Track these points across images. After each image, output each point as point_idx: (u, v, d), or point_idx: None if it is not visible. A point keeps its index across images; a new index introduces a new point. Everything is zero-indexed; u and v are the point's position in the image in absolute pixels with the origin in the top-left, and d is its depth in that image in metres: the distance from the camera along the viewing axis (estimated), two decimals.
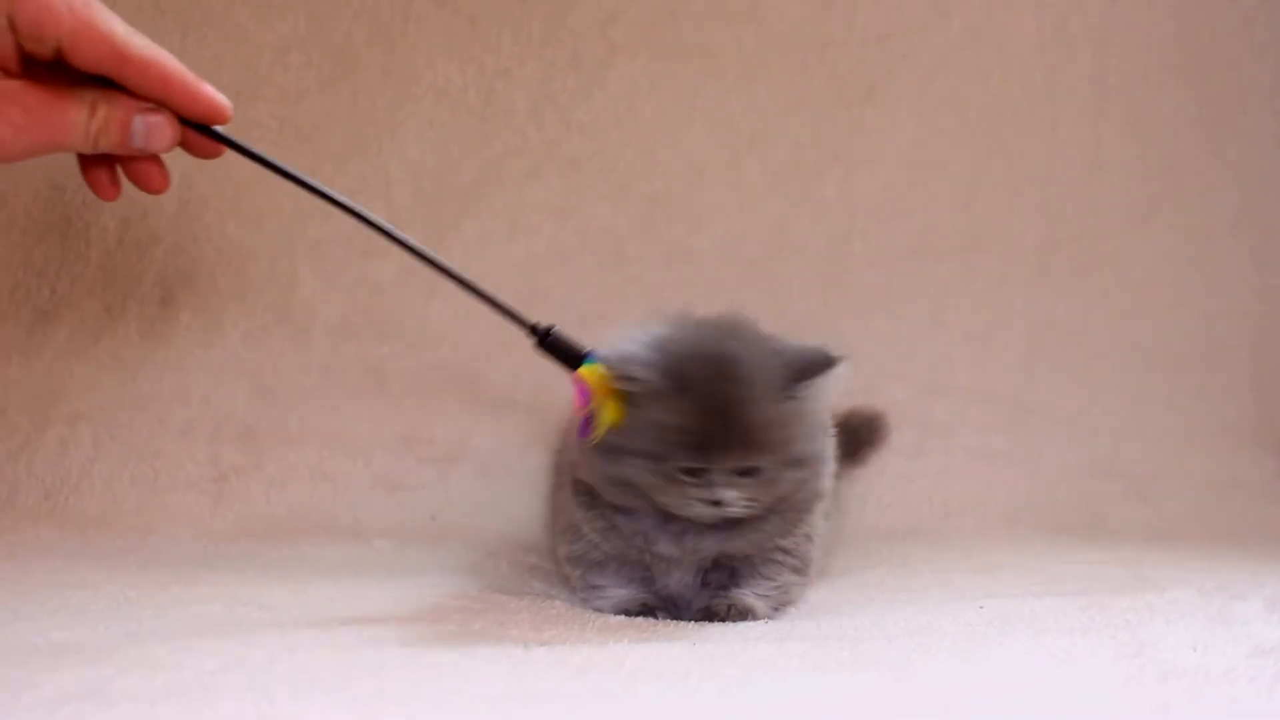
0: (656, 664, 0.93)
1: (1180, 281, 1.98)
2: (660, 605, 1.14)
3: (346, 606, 1.12)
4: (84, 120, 0.88)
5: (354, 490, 1.63)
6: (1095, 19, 1.97)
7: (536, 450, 1.55)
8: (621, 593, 1.16)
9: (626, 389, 1.05)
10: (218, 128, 0.96)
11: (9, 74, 0.86)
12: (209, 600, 1.12)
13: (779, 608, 1.15)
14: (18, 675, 0.81)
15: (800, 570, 1.17)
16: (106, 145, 0.90)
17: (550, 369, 1.65)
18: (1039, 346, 1.90)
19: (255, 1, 1.70)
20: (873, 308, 1.85)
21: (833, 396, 1.15)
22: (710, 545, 1.13)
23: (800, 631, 1.08)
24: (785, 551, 1.16)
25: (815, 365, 1.08)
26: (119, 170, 0.96)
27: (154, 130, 0.91)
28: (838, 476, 1.24)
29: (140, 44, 0.88)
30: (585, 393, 1.04)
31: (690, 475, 1.07)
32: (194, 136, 0.95)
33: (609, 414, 1.04)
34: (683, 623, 1.12)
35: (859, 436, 1.39)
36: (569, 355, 1.04)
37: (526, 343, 1.45)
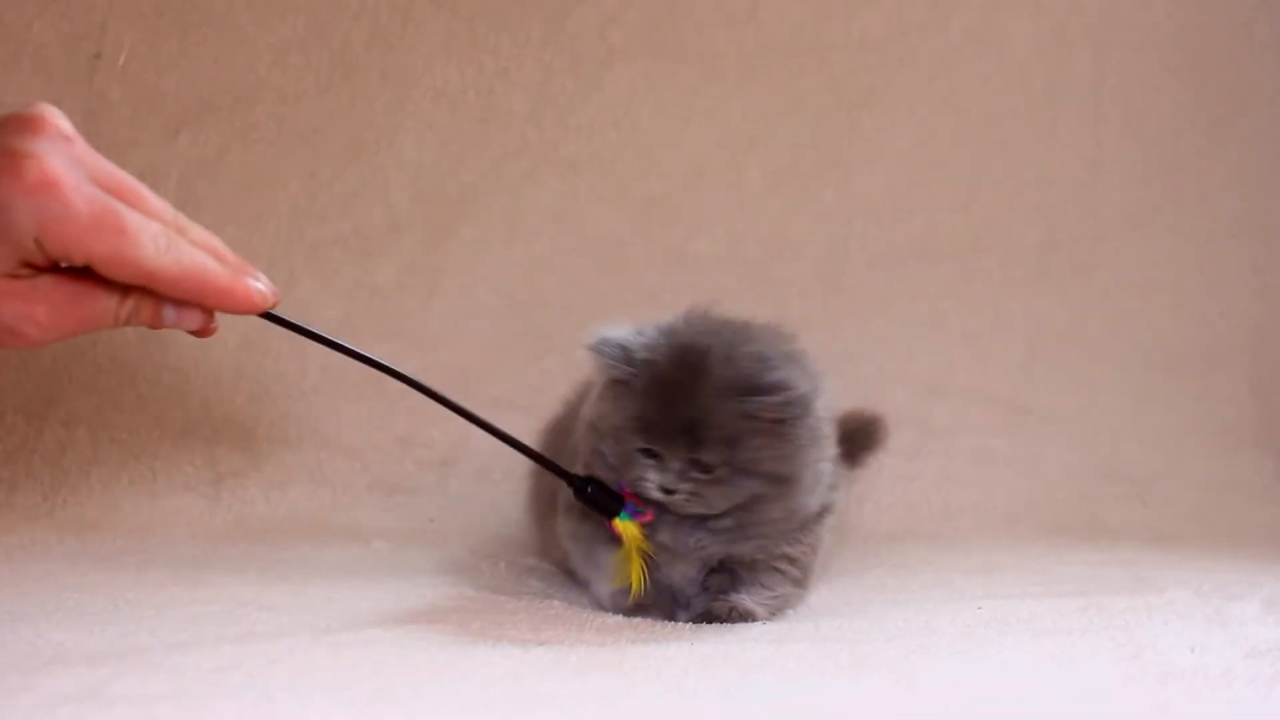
0: (655, 665, 0.93)
1: (1180, 283, 1.98)
2: (657, 597, 1.14)
3: (345, 608, 1.12)
4: (114, 307, 0.87)
5: (352, 492, 1.63)
6: (1094, 21, 1.97)
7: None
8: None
9: (604, 372, 1.12)
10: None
11: (39, 270, 0.83)
12: (207, 601, 1.12)
13: (775, 614, 1.15)
14: (16, 676, 0.81)
15: (800, 582, 1.18)
16: (138, 323, 0.90)
17: (548, 371, 1.66)
18: (1038, 348, 1.90)
19: (255, 4, 1.70)
20: (872, 310, 1.85)
21: (825, 415, 1.16)
22: (715, 547, 1.13)
23: (799, 633, 1.08)
24: (789, 560, 1.16)
25: (758, 387, 1.08)
26: None
27: (185, 316, 0.91)
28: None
29: (169, 261, 0.86)
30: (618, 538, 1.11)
31: (647, 457, 1.09)
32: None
33: (631, 571, 1.09)
34: (681, 624, 1.12)
35: (856, 439, 1.39)
36: (605, 505, 1.10)
37: (523, 347, 1.47)
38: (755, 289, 1.80)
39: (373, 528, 1.58)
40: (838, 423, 1.25)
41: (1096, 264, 1.95)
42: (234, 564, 1.37)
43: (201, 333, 0.95)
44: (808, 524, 1.17)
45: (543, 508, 1.36)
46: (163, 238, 0.85)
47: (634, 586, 1.09)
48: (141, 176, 1.61)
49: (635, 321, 1.14)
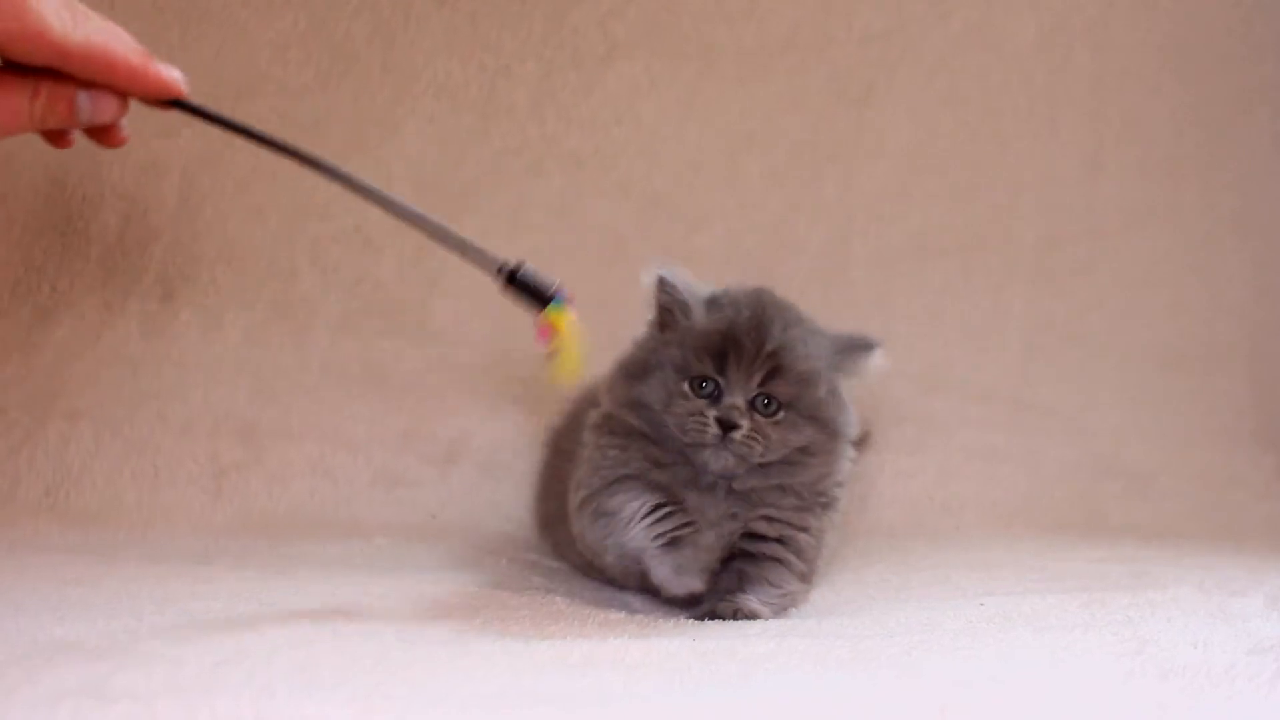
0: (657, 660, 0.93)
1: (1179, 281, 1.98)
2: (680, 504, 1.12)
3: (346, 602, 1.12)
4: (27, 104, 0.87)
5: (354, 487, 1.63)
6: (1094, 19, 1.97)
7: (537, 447, 1.55)
8: (639, 498, 1.12)
9: (667, 303, 1.14)
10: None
11: None
12: (208, 596, 1.12)
13: (779, 613, 1.15)
14: (17, 670, 0.81)
15: (805, 577, 1.18)
16: (55, 123, 0.89)
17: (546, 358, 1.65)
18: (1038, 345, 1.90)
19: None
20: (872, 306, 1.85)
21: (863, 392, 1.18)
22: (743, 513, 1.14)
23: (801, 629, 1.08)
24: (797, 553, 1.16)
25: (861, 341, 1.16)
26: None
27: (99, 104, 0.90)
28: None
29: (79, 37, 0.86)
30: (547, 335, 1.01)
31: (701, 394, 1.10)
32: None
33: (569, 362, 1.02)
34: (683, 620, 1.12)
35: None
36: (537, 294, 1.01)
37: (525, 340, 1.44)
38: (755, 283, 1.79)
39: (374, 522, 1.58)
40: None
41: (1096, 261, 1.95)
42: (235, 558, 1.37)
43: (111, 135, 0.94)
44: (819, 507, 1.17)
45: (549, 511, 1.37)
46: (65, 11, 0.85)
47: (576, 370, 1.02)
48: (144, 172, 1.64)
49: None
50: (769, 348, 1.10)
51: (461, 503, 1.64)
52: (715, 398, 1.10)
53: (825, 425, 1.13)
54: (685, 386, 1.11)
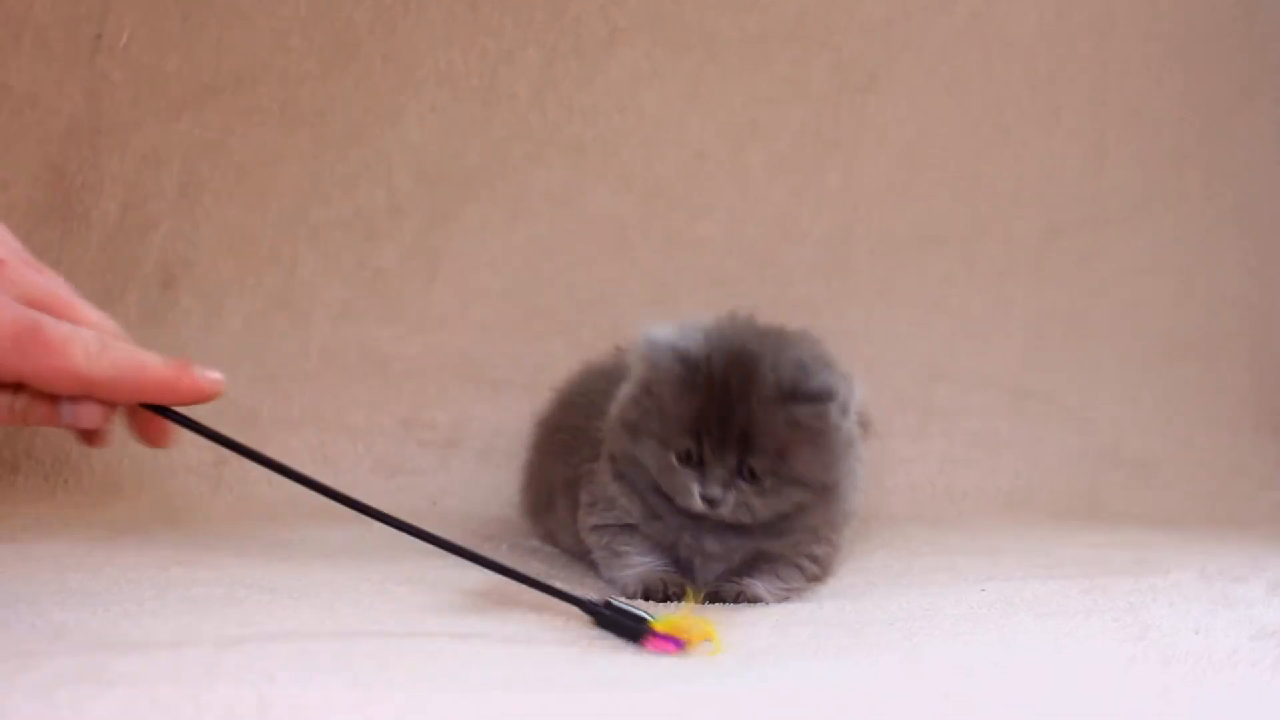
0: None
1: (1182, 270, 1.98)
2: (679, 586, 1.12)
3: (347, 590, 1.12)
4: (8, 401, 0.85)
5: (354, 474, 1.62)
6: (1097, 8, 1.97)
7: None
8: (645, 560, 1.15)
9: (649, 374, 1.11)
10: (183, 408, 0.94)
11: None
12: (209, 583, 1.12)
13: (782, 602, 1.14)
14: (17, 656, 0.81)
15: (818, 578, 1.19)
16: (36, 422, 0.87)
17: (551, 353, 1.65)
18: (1041, 333, 1.90)
19: None
20: (875, 294, 1.85)
21: (855, 418, 1.16)
22: (751, 544, 1.14)
23: (802, 615, 1.08)
24: (813, 559, 1.17)
25: (807, 394, 1.09)
26: None
27: (81, 411, 0.87)
28: None
29: (104, 368, 0.84)
30: (673, 641, 0.96)
31: (689, 466, 1.09)
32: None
33: (703, 632, 0.97)
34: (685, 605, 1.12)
35: None
36: (629, 626, 0.97)
37: (526, 328, 1.46)
38: (758, 273, 1.80)
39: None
40: None
41: (1099, 249, 1.95)
42: (236, 545, 1.37)
43: (94, 436, 0.91)
44: (833, 527, 1.19)
45: (539, 500, 1.37)
46: (94, 344, 0.83)
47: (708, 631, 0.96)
48: (144, 159, 1.64)
49: (677, 322, 1.14)
50: (737, 429, 1.08)
51: (462, 489, 1.64)
52: (701, 466, 1.09)
53: (811, 486, 1.12)
54: (672, 459, 1.10)
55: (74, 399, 0.85)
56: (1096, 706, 0.79)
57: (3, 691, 0.71)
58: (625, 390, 1.16)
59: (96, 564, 1.18)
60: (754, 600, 1.12)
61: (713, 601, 1.12)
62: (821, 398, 1.09)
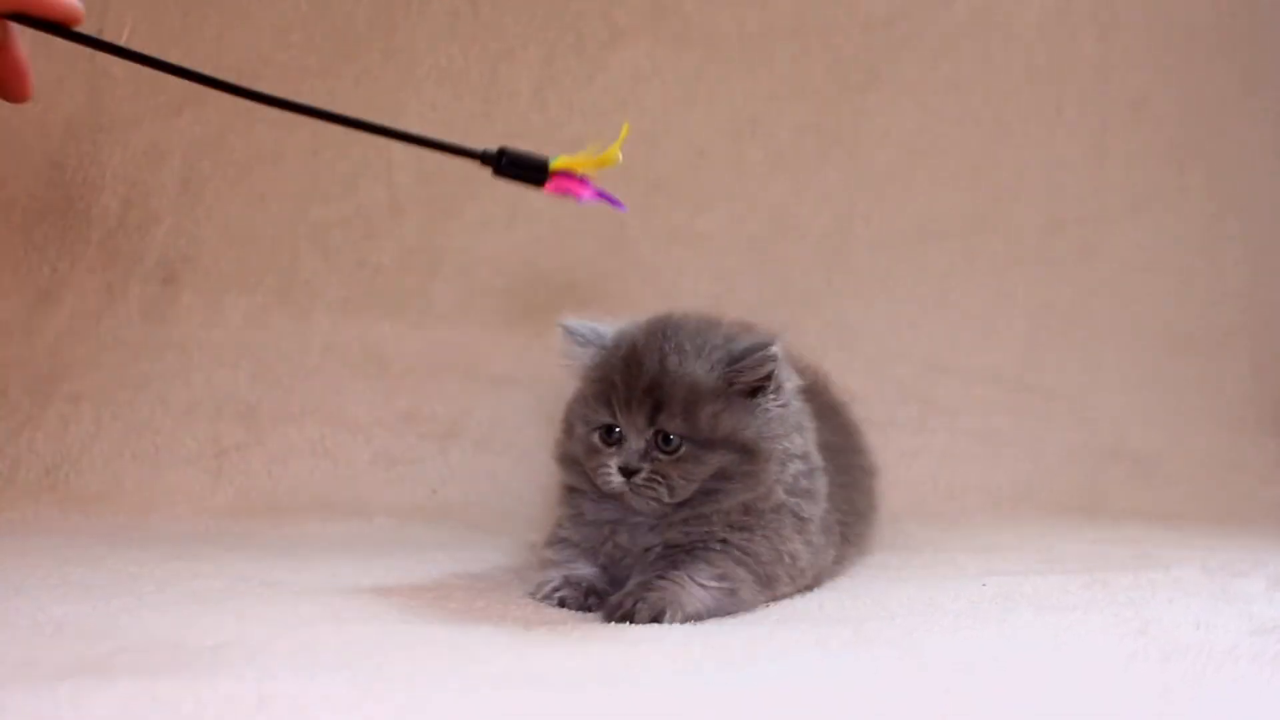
0: (658, 641, 0.93)
1: (1183, 265, 1.97)
2: (601, 595, 1.09)
3: (347, 583, 1.12)
4: None
5: (354, 466, 1.63)
6: (1098, 3, 1.97)
7: (535, 427, 1.55)
8: (572, 565, 1.12)
9: (574, 360, 1.13)
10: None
11: None
12: (210, 576, 1.12)
13: (719, 604, 1.06)
14: (19, 650, 0.81)
15: (760, 580, 1.11)
16: None
17: (551, 349, 1.65)
18: (1042, 328, 1.90)
19: None
20: (875, 289, 1.85)
21: (798, 406, 1.14)
22: (653, 538, 1.11)
23: (802, 610, 1.08)
24: (742, 550, 1.10)
25: (732, 354, 1.09)
26: None
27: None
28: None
29: None
30: (575, 181, 1.00)
31: (608, 444, 1.09)
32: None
33: (606, 159, 1.01)
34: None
35: None
36: (532, 169, 0.99)
37: (525, 326, 1.45)
38: (758, 268, 1.80)
39: (375, 501, 1.58)
40: None
41: (1100, 245, 1.95)
42: (236, 539, 1.37)
43: (13, 87, 0.92)
44: (757, 517, 1.12)
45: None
46: None
47: (613, 156, 1.02)
48: (145, 155, 1.64)
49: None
50: (643, 383, 1.07)
51: (461, 481, 1.64)
52: (621, 444, 1.09)
53: (733, 446, 1.08)
54: (595, 438, 1.10)
55: None
56: (1097, 701, 0.79)
57: (4, 685, 0.72)
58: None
59: (97, 558, 1.19)
60: (659, 613, 1.02)
61: (623, 620, 1.03)
62: (744, 355, 1.08)
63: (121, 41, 1.61)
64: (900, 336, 1.83)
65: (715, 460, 1.07)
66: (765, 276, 1.78)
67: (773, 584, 1.12)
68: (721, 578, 1.07)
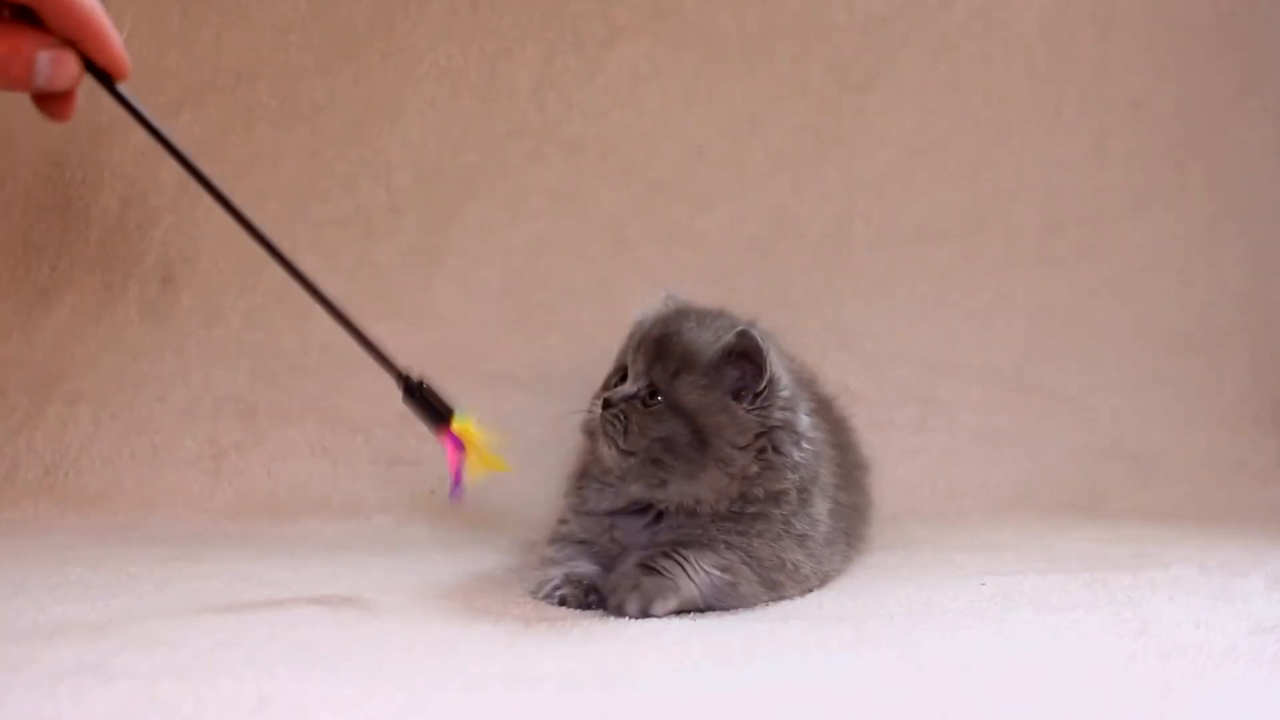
0: (657, 640, 0.93)
1: (1183, 265, 1.97)
2: (600, 594, 1.09)
3: (347, 583, 1.12)
4: None
5: (353, 465, 1.62)
6: (1098, 2, 1.96)
7: (536, 426, 1.54)
8: (573, 563, 1.13)
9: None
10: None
11: None
12: (209, 576, 1.12)
13: (717, 593, 1.08)
14: (18, 651, 0.81)
15: (764, 581, 1.11)
16: (5, 84, 0.88)
17: (550, 349, 1.65)
18: (1041, 328, 1.90)
19: None
20: (875, 289, 1.84)
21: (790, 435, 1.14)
22: (648, 536, 1.13)
23: (802, 610, 1.08)
24: (745, 552, 1.10)
25: (745, 350, 1.12)
26: None
27: (58, 66, 0.89)
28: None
29: None
30: (456, 448, 1.03)
31: (610, 386, 1.16)
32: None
33: (487, 461, 1.04)
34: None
35: None
36: (437, 411, 1.03)
37: (525, 326, 1.46)
38: (758, 268, 1.79)
39: (374, 501, 1.58)
40: None
41: (1099, 244, 1.94)
42: (235, 539, 1.37)
43: (60, 108, 0.93)
44: (753, 517, 1.12)
45: None
46: None
47: (497, 464, 1.05)
48: (143, 155, 1.64)
49: None
50: (655, 333, 1.14)
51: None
52: (618, 387, 1.15)
53: (689, 419, 1.10)
54: (599, 404, 1.14)
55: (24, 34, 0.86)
56: (1096, 701, 0.79)
57: (4, 684, 0.72)
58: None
59: (97, 558, 1.19)
60: (621, 603, 1.04)
61: (618, 615, 1.05)
62: (756, 354, 1.11)
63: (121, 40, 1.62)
64: (900, 336, 1.83)
65: (669, 426, 1.11)
66: (765, 276, 1.78)
67: (776, 588, 1.13)
68: (725, 569, 1.09)
